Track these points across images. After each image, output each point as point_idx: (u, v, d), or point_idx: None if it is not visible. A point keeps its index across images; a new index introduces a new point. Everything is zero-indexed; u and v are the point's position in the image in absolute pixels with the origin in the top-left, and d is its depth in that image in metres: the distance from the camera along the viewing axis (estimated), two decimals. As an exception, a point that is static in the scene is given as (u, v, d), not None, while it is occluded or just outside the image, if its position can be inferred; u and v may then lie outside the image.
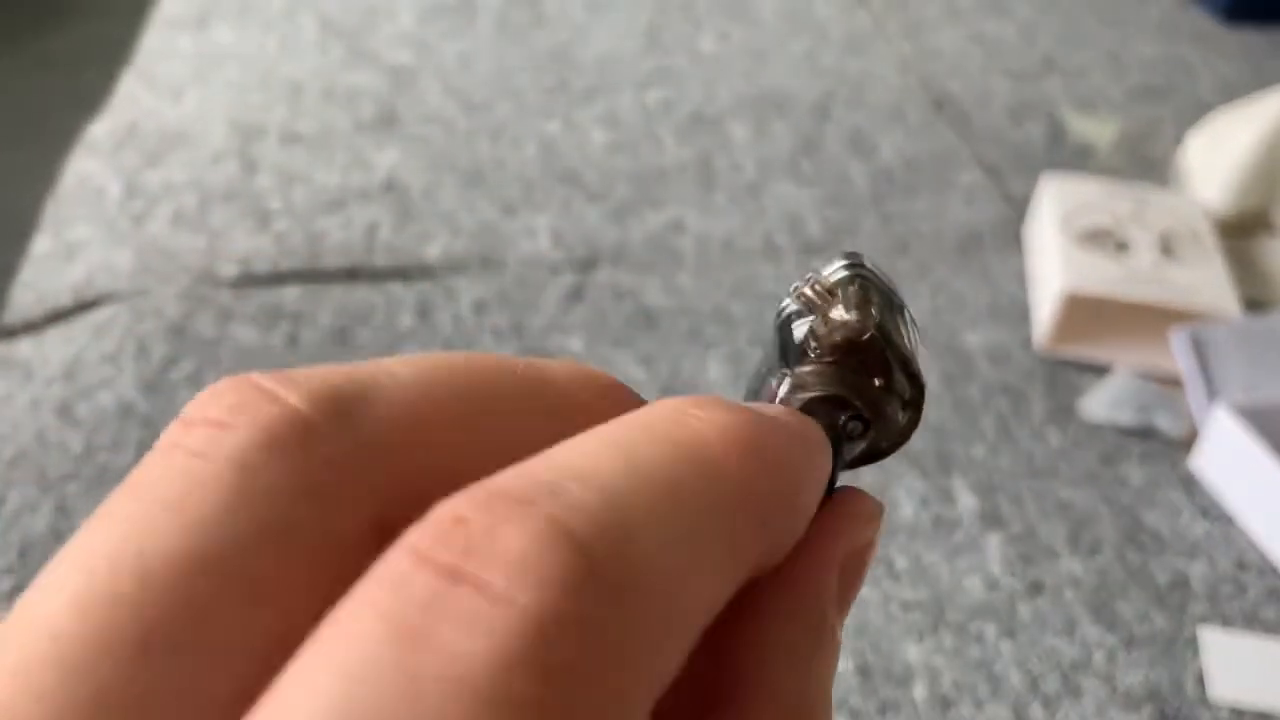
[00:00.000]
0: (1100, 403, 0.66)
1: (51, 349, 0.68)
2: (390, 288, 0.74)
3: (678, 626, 0.11)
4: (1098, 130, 0.96)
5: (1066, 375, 0.70)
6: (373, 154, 0.87)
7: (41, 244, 0.76)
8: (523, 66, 1.01)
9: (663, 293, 0.75)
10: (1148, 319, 0.69)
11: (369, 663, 0.09)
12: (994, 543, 0.59)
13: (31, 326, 0.70)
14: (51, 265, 0.74)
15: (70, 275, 0.73)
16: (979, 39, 1.11)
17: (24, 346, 0.68)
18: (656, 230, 0.81)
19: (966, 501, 0.61)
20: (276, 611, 0.11)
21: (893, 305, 0.16)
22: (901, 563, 0.57)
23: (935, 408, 0.67)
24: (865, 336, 0.15)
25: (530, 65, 1.01)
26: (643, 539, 0.11)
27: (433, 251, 0.77)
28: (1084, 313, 0.70)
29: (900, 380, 0.15)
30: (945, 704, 0.51)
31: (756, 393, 0.17)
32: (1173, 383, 0.68)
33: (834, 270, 0.15)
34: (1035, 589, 0.56)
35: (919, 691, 0.51)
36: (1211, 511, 0.61)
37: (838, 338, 0.15)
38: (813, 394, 0.15)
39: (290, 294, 0.73)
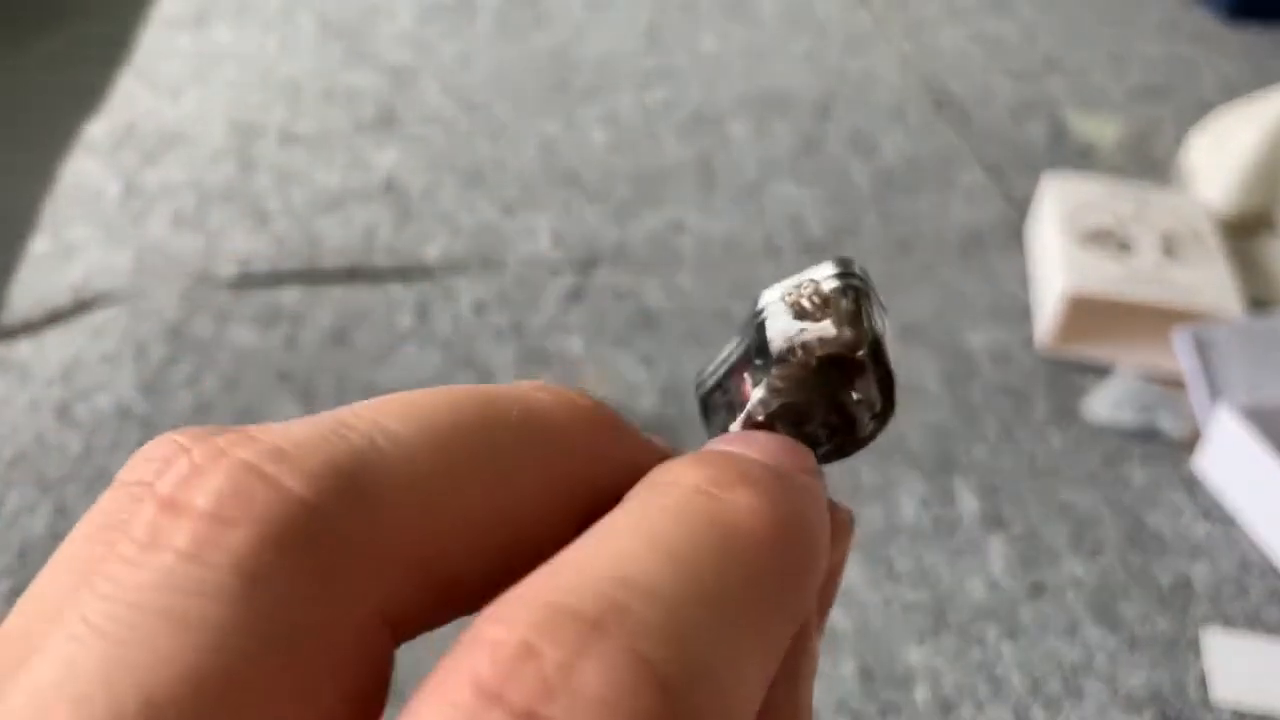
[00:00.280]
0: (1102, 403, 0.66)
1: (50, 350, 0.67)
2: (390, 288, 0.74)
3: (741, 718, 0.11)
4: (1100, 130, 0.96)
5: (1068, 376, 0.69)
6: (372, 154, 0.87)
7: (40, 244, 0.76)
8: (522, 66, 1.00)
9: (663, 293, 0.74)
10: (1150, 319, 0.69)
11: None
12: (995, 544, 0.58)
13: (30, 327, 0.69)
14: (50, 266, 0.74)
15: (68, 276, 0.73)
16: (980, 38, 1.10)
17: (22, 347, 0.68)
18: (656, 230, 0.81)
19: (968, 502, 0.61)
20: None
21: (883, 320, 0.15)
22: (903, 564, 0.57)
23: (936, 408, 0.66)
24: (858, 354, 0.15)
25: (530, 65, 1.01)
26: (711, 658, 0.11)
27: (432, 252, 0.77)
28: (1086, 313, 0.69)
29: (875, 394, 0.15)
30: (946, 706, 0.51)
31: (723, 385, 0.16)
32: (1175, 383, 0.67)
33: (827, 278, 0.15)
34: (1037, 590, 0.56)
35: (920, 693, 0.51)
36: (1214, 513, 0.61)
37: (828, 351, 0.15)
38: (788, 400, 0.15)
39: (289, 294, 0.73)
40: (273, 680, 0.10)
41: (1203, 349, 0.67)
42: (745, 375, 0.16)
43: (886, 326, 0.16)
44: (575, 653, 0.10)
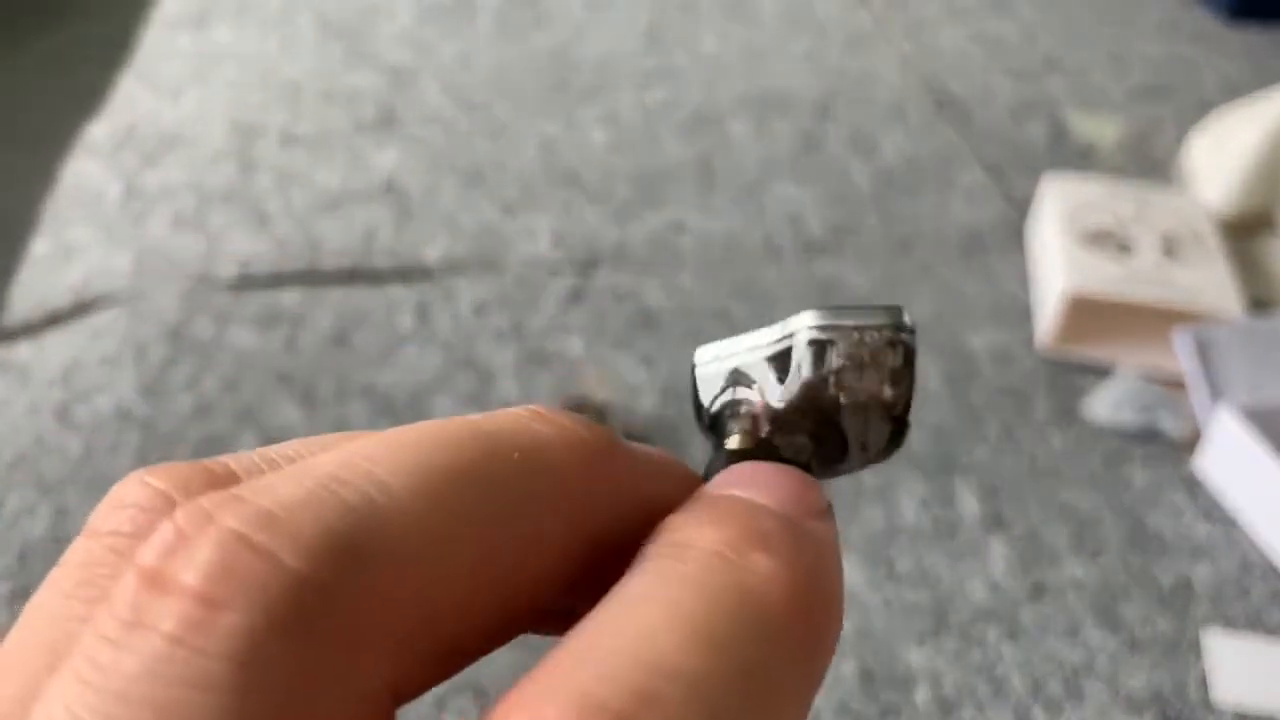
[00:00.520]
0: (1103, 404, 0.66)
1: (50, 352, 0.67)
2: (390, 289, 0.74)
3: None
4: (1100, 130, 0.96)
5: (1069, 376, 0.69)
6: (372, 155, 0.87)
7: (40, 246, 0.76)
8: (522, 66, 1.00)
9: (663, 293, 0.74)
10: (1151, 320, 0.69)
11: None
12: (996, 545, 0.58)
13: (30, 329, 0.69)
14: (50, 267, 0.74)
15: (69, 277, 0.73)
16: (980, 38, 1.10)
17: (22, 349, 0.68)
18: (657, 231, 0.81)
19: (969, 504, 0.60)
20: None
21: (914, 376, 0.15)
22: (903, 565, 0.57)
23: (936, 409, 0.66)
24: (895, 413, 0.15)
25: (530, 65, 1.01)
26: None
27: (432, 253, 0.77)
28: (1086, 313, 0.69)
29: (885, 439, 0.15)
30: (947, 707, 0.51)
31: (733, 394, 0.16)
32: (1176, 384, 0.67)
33: (879, 327, 0.15)
34: (1038, 591, 0.56)
35: (921, 695, 0.51)
36: (1215, 513, 0.61)
37: (860, 399, 0.15)
38: (798, 436, 0.15)
39: (289, 296, 0.73)
40: None
41: (1203, 349, 0.67)
42: (754, 400, 0.16)
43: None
44: None
